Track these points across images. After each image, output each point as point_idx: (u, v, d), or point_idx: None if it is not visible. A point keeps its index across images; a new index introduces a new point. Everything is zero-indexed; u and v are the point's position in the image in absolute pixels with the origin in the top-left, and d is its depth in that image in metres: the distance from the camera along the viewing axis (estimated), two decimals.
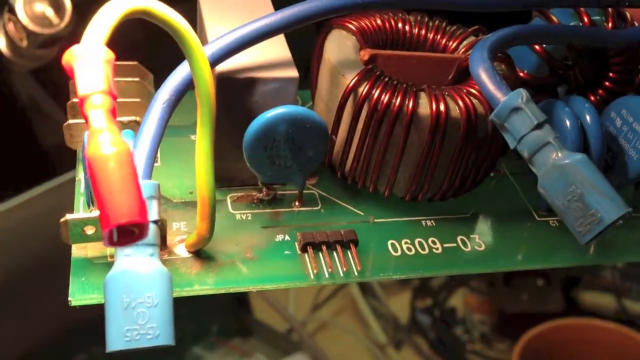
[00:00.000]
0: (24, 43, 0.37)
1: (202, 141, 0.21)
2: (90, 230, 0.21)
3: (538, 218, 0.27)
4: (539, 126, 0.21)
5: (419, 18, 0.28)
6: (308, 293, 0.73)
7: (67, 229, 0.21)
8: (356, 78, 0.24)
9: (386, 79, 0.24)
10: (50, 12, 0.36)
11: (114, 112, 0.17)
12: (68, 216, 0.21)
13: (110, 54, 0.18)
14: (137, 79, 0.26)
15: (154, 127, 0.21)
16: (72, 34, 0.36)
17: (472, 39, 0.27)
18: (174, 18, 0.19)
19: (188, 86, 0.21)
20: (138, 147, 0.20)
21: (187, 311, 0.61)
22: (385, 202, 0.26)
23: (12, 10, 0.38)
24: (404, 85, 0.24)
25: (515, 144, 0.22)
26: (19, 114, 0.42)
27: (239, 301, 0.67)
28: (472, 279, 0.72)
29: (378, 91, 0.23)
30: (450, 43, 0.27)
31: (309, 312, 0.71)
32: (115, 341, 0.19)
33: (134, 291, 0.19)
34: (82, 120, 0.24)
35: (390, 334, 0.70)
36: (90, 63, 0.17)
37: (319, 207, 0.25)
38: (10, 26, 0.38)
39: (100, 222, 0.16)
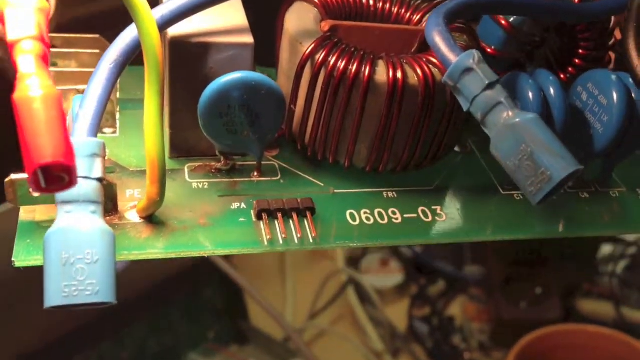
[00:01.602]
0: None
1: (150, 103, 0.21)
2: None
3: (503, 192, 0.26)
4: (490, 86, 0.21)
5: None
6: (305, 300, 0.72)
7: (13, 190, 0.21)
8: (313, 45, 0.24)
9: (343, 46, 0.24)
10: None
11: (44, 59, 0.17)
12: (13, 176, 0.21)
13: (44, 2, 0.18)
14: (97, 51, 0.26)
15: (100, 86, 0.21)
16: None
17: None
18: None
19: (137, 47, 0.21)
20: (84, 106, 0.20)
21: (184, 317, 0.61)
22: (347, 174, 0.25)
23: None
24: (362, 53, 0.23)
25: (468, 106, 0.21)
26: None
27: (236, 307, 0.67)
28: (471, 287, 0.71)
29: (334, 58, 0.23)
30: (414, 16, 0.27)
31: (306, 320, 0.71)
32: (53, 297, 0.18)
33: (73, 247, 0.19)
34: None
35: (387, 342, 0.70)
36: (21, 9, 0.17)
37: (278, 178, 0.25)
38: None
39: (25, 166, 0.16)
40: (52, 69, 0.25)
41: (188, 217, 0.23)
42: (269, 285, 0.71)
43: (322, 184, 0.25)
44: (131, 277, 0.54)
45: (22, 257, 0.21)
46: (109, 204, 0.22)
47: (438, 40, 0.22)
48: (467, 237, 0.25)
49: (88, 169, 0.20)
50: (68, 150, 0.16)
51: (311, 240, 0.23)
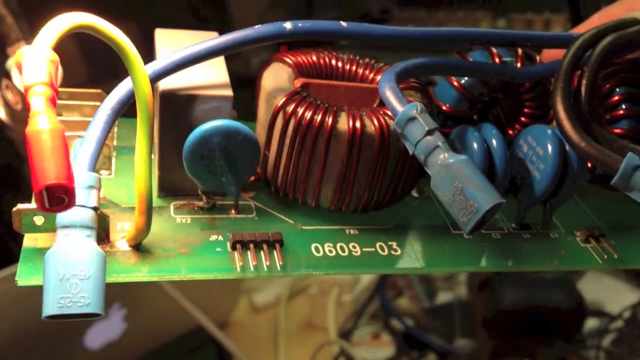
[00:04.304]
0: (19, 106, 0.41)
1: (140, 142, 0.24)
2: (39, 221, 0.24)
3: (454, 231, 0.29)
4: (430, 132, 0.24)
5: (351, 56, 0.31)
6: None
7: (19, 219, 0.24)
8: (284, 98, 0.27)
9: (310, 100, 0.27)
10: None
11: (53, 101, 0.21)
12: (19, 206, 0.24)
13: (55, 56, 0.21)
14: (99, 104, 0.30)
15: (99, 129, 0.24)
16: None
17: None
18: (116, 34, 0.23)
19: (131, 97, 0.25)
20: (84, 143, 0.24)
21: None
22: (314, 213, 0.29)
23: (8, 76, 0.42)
24: (326, 105, 0.27)
25: (413, 149, 0.25)
26: None
27: None
28: None
29: (302, 109, 0.27)
30: (377, 77, 0.31)
31: None
32: (50, 307, 0.21)
33: (69, 265, 0.22)
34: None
35: None
36: (36, 59, 0.21)
37: (253, 215, 0.28)
38: (7, 91, 0.42)
39: (32, 187, 0.19)
40: (58, 118, 0.29)
41: (171, 247, 0.26)
42: (260, 356, 0.73)
43: (292, 221, 0.28)
44: (124, 345, 0.57)
45: (24, 278, 0.24)
46: (102, 234, 0.25)
47: (388, 93, 0.26)
48: (420, 270, 0.28)
49: (85, 198, 0.23)
50: (69, 174, 0.19)
51: (279, 269, 0.26)
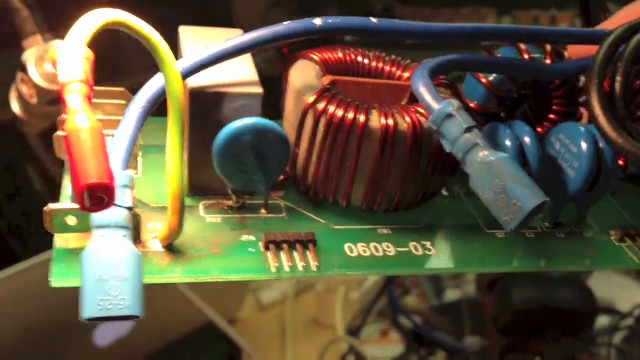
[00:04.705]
0: (34, 100, 0.41)
1: (172, 141, 0.24)
2: (71, 221, 0.24)
3: (487, 231, 0.29)
4: (468, 130, 0.24)
5: (377, 54, 0.31)
6: None
7: (50, 219, 0.24)
8: (314, 96, 0.27)
9: (341, 97, 0.27)
10: None
11: (89, 99, 0.20)
12: (51, 206, 0.23)
13: (89, 53, 0.21)
14: (123, 102, 0.29)
15: (131, 126, 0.24)
16: None
17: None
18: (148, 31, 0.22)
19: (161, 95, 0.24)
20: (117, 142, 0.23)
21: None
22: (344, 213, 0.28)
23: (24, 70, 0.41)
24: (357, 103, 0.27)
25: (451, 147, 0.24)
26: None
27: None
28: (470, 358, 0.73)
29: (334, 107, 0.26)
30: (404, 74, 0.30)
31: None
32: (90, 310, 0.21)
33: (107, 266, 0.21)
34: None
35: None
36: (71, 56, 0.20)
37: (283, 215, 0.28)
38: (23, 85, 0.41)
39: (73, 187, 0.19)
40: None
41: (203, 247, 0.26)
42: (268, 354, 0.73)
43: (323, 221, 0.28)
44: (133, 343, 0.56)
45: (59, 279, 0.23)
46: (134, 234, 0.25)
47: (423, 90, 0.25)
48: (455, 269, 0.27)
49: (120, 198, 0.22)
50: (110, 174, 0.19)
51: (314, 269, 0.25)
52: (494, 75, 0.30)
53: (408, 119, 0.26)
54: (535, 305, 0.68)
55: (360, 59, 0.31)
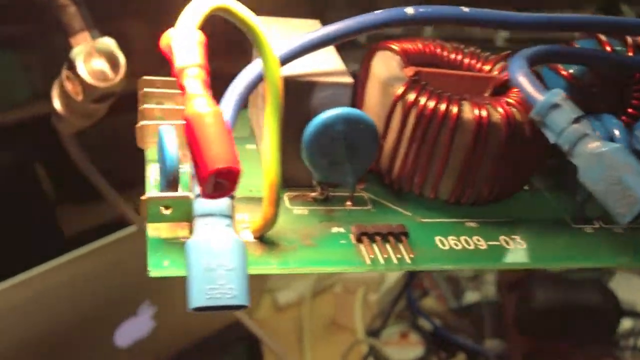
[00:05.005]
0: (80, 97, 0.40)
1: (270, 130, 0.23)
2: (166, 211, 0.23)
3: (574, 225, 0.29)
4: (576, 120, 0.23)
5: (455, 45, 0.30)
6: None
7: (145, 208, 0.23)
8: (404, 87, 0.26)
9: (431, 89, 0.26)
10: (106, 67, 0.39)
11: (207, 84, 0.20)
12: (148, 194, 0.23)
13: (202, 37, 0.20)
14: None
15: (228, 114, 0.23)
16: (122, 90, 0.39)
17: (504, 63, 0.30)
18: (250, 18, 0.22)
19: (256, 83, 0.24)
20: None
21: None
22: (431, 205, 0.28)
23: (70, 66, 0.40)
24: (448, 94, 0.26)
25: (556, 139, 0.24)
26: None
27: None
28: None
29: (424, 98, 0.26)
30: (485, 66, 0.30)
31: None
32: (198, 299, 0.20)
33: (213, 256, 0.21)
34: (154, 122, 0.27)
35: None
36: (186, 41, 0.20)
37: (369, 207, 0.27)
38: (68, 81, 0.40)
39: (198, 173, 0.18)
40: (162, 106, 0.28)
41: (294, 239, 0.25)
42: (287, 356, 0.72)
43: (410, 213, 0.27)
44: (153, 344, 0.56)
45: (156, 269, 0.22)
46: None
47: (523, 80, 0.25)
48: (547, 264, 0.27)
49: None
50: (236, 157, 0.18)
51: (409, 262, 0.25)
52: (574, 67, 0.30)
53: (501, 110, 0.26)
54: (556, 305, 0.68)
55: (438, 50, 0.30)
